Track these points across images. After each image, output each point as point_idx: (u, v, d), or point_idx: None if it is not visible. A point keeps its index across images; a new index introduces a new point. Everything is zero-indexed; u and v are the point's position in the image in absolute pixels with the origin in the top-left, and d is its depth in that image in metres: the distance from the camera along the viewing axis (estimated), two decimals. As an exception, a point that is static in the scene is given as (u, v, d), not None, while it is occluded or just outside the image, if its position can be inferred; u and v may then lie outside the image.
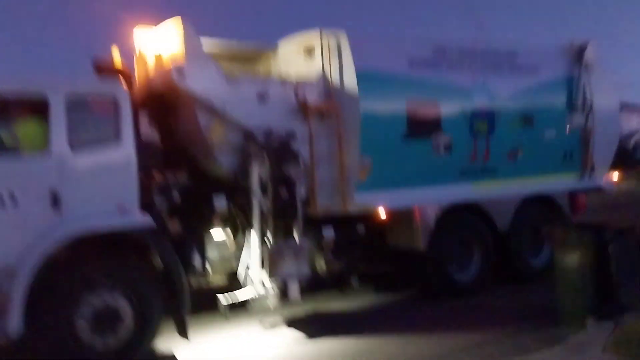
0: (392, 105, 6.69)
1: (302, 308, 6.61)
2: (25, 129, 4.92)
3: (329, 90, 6.38)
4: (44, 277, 4.64)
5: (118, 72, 5.48)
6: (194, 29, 5.83)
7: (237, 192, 6.03)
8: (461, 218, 7.33)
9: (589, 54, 8.15)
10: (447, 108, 7.02)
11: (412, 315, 6.58)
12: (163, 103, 5.98)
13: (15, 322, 4.48)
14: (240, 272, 6.06)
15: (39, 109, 4.85)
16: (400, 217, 6.79)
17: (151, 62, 6.12)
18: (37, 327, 4.68)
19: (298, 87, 6.15)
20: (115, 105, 5.17)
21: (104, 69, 5.46)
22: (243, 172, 5.86)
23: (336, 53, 6.38)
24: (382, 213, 6.61)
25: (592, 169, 8.23)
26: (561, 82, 7.98)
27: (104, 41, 5.99)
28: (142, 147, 5.45)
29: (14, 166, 4.79)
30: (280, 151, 5.98)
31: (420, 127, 6.83)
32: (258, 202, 5.86)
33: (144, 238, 5.25)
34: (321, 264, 6.56)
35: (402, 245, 7.03)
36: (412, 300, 7.22)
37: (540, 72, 7.82)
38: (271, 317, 6.30)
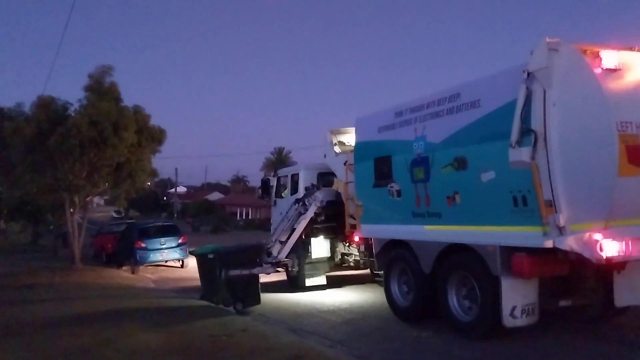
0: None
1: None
2: (282, 188, 14.76)
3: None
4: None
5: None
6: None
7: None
8: (397, 252, 9.25)
9: (538, 60, 6.41)
10: (396, 160, 9.04)
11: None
12: None
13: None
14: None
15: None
16: (368, 242, 10.33)
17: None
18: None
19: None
20: (297, 177, 13.73)
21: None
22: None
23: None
24: (357, 238, 10.75)
25: (557, 220, 6.28)
26: (506, 110, 6.76)
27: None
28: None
29: (281, 202, 14.28)
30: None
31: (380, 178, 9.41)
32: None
33: None
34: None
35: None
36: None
37: (482, 106, 7.27)
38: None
